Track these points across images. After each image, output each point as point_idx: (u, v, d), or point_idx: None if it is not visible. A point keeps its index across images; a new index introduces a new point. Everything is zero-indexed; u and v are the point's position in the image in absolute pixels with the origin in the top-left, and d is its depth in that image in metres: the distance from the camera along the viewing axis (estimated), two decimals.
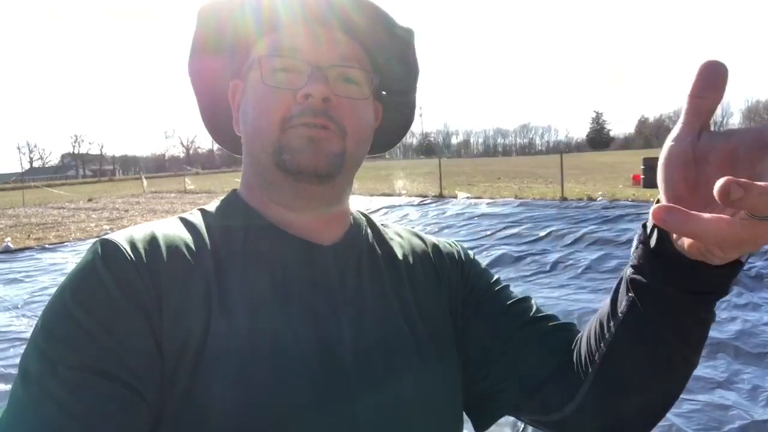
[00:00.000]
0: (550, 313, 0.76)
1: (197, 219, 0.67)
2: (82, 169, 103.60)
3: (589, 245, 8.00)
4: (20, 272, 7.98)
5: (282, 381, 0.57)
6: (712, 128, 0.47)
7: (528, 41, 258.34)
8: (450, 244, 0.83)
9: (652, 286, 0.53)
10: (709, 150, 0.44)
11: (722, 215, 0.39)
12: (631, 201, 11.55)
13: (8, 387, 3.75)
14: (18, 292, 6.78)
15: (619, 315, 0.58)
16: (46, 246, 10.49)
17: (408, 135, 0.85)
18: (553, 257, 7.30)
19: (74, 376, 0.51)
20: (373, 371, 0.63)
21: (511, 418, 3.13)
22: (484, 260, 7.37)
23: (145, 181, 29.43)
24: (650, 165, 15.47)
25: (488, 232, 9.37)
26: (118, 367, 0.52)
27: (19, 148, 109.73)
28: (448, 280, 0.77)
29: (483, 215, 11.04)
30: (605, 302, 0.62)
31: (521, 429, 3.11)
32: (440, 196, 14.78)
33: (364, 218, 0.79)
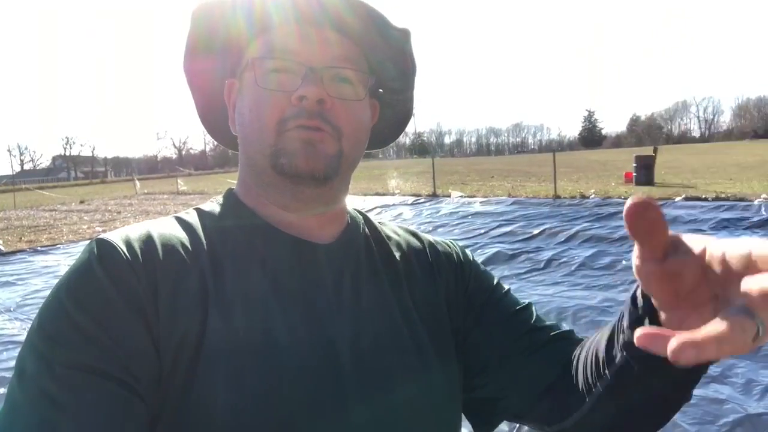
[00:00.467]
0: (551, 323, 0.76)
1: (193, 218, 0.67)
2: (73, 171, 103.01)
3: (583, 242, 8.04)
4: (12, 275, 7.93)
5: (279, 381, 0.57)
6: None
7: (520, 40, 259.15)
8: (449, 245, 0.83)
9: (640, 364, 0.54)
10: (679, 267, 0.40)
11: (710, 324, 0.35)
12: (624, 198, 11.58)
13: (2, 390, 3.73)
14: (10, 295, 6.73)
15: (615, 363, 0.58)
16: (39, 248, 10.42)
17: (401, 135, 0.85)
18: (546, 255, 7.33)
19: (71, 376, 0.51)
20: (371, 371, 0.63)
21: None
22: (478, 258, 7.32)
23: (137, 183, 29.25)
24: (642, 163, 15.54)
25: (482, 231, 9.39)
26: (115, 366, 0.52)
27: (9, 150, 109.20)
28: (445, 281, 0.77)
29: (477, 214, 11.06)
30: (605, 332, 0.62)
31: (516, 428, 3.12)
32: (434, 195, 14.79)
33: (361, 217, 0.79)
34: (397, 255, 0.75)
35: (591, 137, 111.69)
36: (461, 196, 14.11)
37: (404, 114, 0.80)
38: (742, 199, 10.28)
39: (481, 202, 12.50)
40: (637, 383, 0.57)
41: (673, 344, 0.33)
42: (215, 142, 0.83)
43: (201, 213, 0.69)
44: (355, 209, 0.79)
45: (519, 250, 7.65)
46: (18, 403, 0.51)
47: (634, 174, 15.54)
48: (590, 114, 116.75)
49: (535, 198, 12.77)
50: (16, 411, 0.50)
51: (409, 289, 0.73)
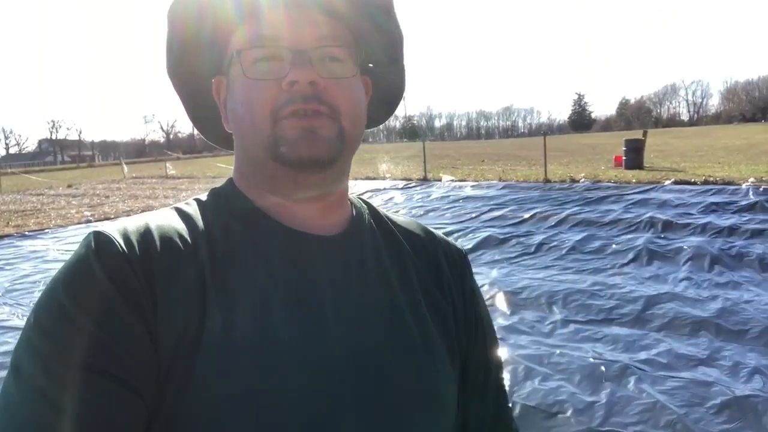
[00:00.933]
0: None
1: (193, 209, 0.65)
2: (60, 155, 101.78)
3: (573, 226, 8.09)
4: (0, 260, 7.86)
5: (279, 378, 0.56)
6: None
7: (510, 23, 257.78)
8: (458, 251, 0.80)
9: None
10: None
11: None
12: (614, 182, 11.66)
13: None
14: None
15: None
16: (26, 233, 10.32)
17: (391, 118, 0.83)
18: (537, 239, 7.36)
19: (67, 373, 0.50)
20: (377, 367, 0.61)
21: None
22: (469, 243, 7.47)
23: (125, 167, 28.94)
24: (632, 146, 15.59)
25: (473, 215, 9.42)
26: (112, 363, 0.51)
27: None
28: (448, 282, 0.75)
29: (468, 198, 11.08)
30: None
31: None
32: (425, 179, 14.78)
33: (365, 206, 0.77)
34: (406, 249, 0.73)
35: (581, 121, 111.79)
36: (452, 180, 14.12)
37: (397, 88, 0.78)
38: (730, 183, 10.37)
39: (471, 187, 12.51)
40: None
41: None
42: None
43: (201, 204, 0.67)
44: (358, 197, 0.77)
45: (510, 235, 7.68)
46: (14, 401, 0.50)
47: (624, 158, 15.59)
48: (580, 97, 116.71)
49: (525, 182, 12.80)
50: (12, 409, 0.49)
51: (418, 284, 0.71)
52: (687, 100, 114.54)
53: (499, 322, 4.58)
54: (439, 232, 0.82)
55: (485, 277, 5.78)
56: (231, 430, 0.53)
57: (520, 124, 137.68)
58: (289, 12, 0.63)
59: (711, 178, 11.14)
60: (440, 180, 14.40)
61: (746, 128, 46.34)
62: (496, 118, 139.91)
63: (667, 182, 10.92)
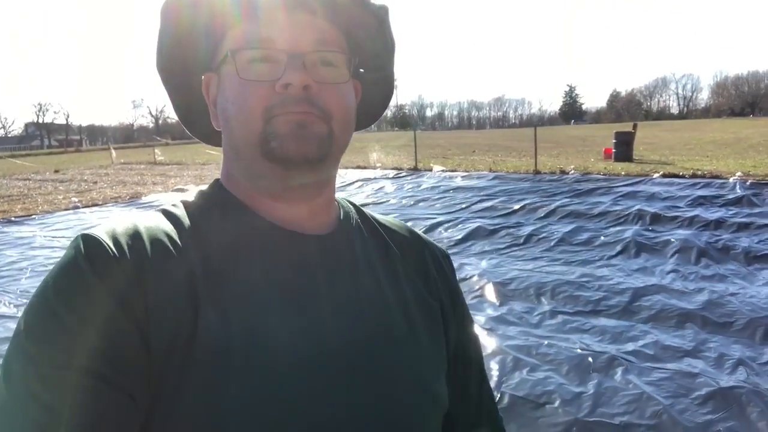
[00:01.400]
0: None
1: (180, 212, 0.65)
2: (47, 139, 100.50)
3: (562, 218, 8.14)
4: None
5: (274, 377, 0.56)
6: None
7: (503, 13, 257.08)
8: (442, 252, 0.82)
9: None
10: None
11: None
12: (603, 175, 11.72)
13: None
14: None
15: None
16: (12, 219, 10.21)
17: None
18: (526, 230, 7.40)
19: (59, 376, 0.49)
20: (369, 364, 0.62)
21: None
22: (459, 233, 7.50)
23: (113, 152, 28.67)
24: (622, 139, 15.67)
25: (463, 206, 9.44)
26: (104, 366, 0.51)
27: None
28: (435, 279, 0.76)
29: (458, 188, 11.10)
30: None
31: (497, 398, 3.19)
32: (415, 169, 14.78)
33: (351, 206, 0.77)
34: (392, 247, 0.74)
35: (571, 112, 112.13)
36: (443, 171, 14.13)
37: (386, 92, 0.79)
38: (717, 177, 10.46)
39: (462, 177, 12.53)
40: None
41: None
42: None
43: (188, 206, 0.67)
44: (344, 199, 0.78)
45: (499, 226, 7.71)
46: (5, 404, 0.49)
47: (614, 150, 15.68)
48: (571, 89, 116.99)
49: (515, 173, 12.84)
50: (4, 413, 0.49)
51: (406, 283, 0.72)
52: (677, 94, 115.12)
53: (487, 312, 4.61)
54: (423, 233, 0.83)
55: (475, 267, 5.80)
56: (231, 428, 0.53)
57: (511, 114, 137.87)
58: (286, 14, 0.63)
59: (699, 172, 11.23)
60: (431, 170, 14.40)
61: (734, 122, 46.74)
62: (487, 108, 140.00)
63: (656, 175, 11.00)
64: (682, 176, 10.83)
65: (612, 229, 7.23)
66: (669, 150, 18.98)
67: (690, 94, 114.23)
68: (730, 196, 8.66)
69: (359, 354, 0.62)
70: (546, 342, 3.89)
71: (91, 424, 0.49)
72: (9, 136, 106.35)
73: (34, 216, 10.57)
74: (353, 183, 12.68)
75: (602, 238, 6.84)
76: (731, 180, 9.92)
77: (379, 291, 0.68)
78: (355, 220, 0.75)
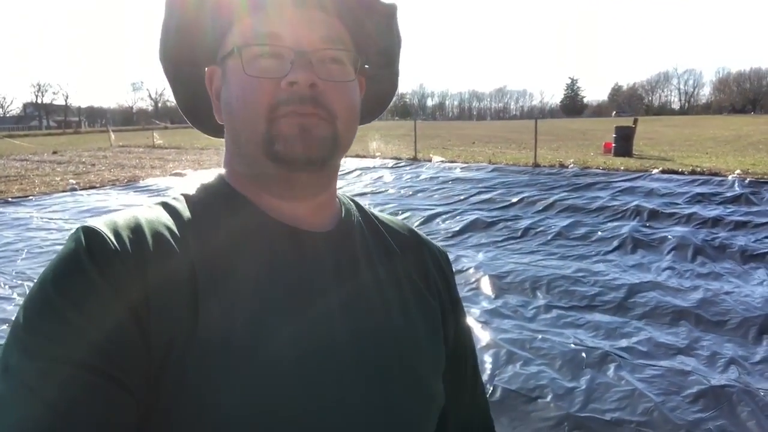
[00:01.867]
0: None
1: (182, 206, 0.64)
2: (45, 119, 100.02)
3: (560, 212, 8.14)
4: None
5: (276, 371, 0.56)
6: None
7: (507, 3, 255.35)
8: (441, 252, 0.82)
9: None
10: None
11: None
12: (602, 169, 11.71)
13: None
14: None
15: None
16: (9, 200, 10.19)
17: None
18: (524, 223, 7.40)
19: (57, 370, 0.49)
20: (370, 362, 0.62)
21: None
22: (457, 225, 7.50)
23: (112, 135, 28.54)
24: (622, 134, 15.64)
25: (461, 197, 9.44)
26: (103, 360, 0.50)
27: None
28: (435, 279, 0.76)
29: (457, 180, 11.09)
30: None
31: (490, 391, 3.20)
32: (415, 159, 14.75)
33: (353, 204, 0.77)
34: (393, 246, 0.74)
35: (573, 105, 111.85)
36: (442, 161, 14.10)
37: (389, 89, 0.78)
38: (716, 174, 10.46)
39: (461, 168, 12.51)
40: None
41: None
42: None
43: (190, 200, 0.66)
44: (345, 195, 0.78)
45: (497, 218, 7.71)
46: (3, 398, 0.49)
47: (614, 144, 15.65)
48: (573, 82, 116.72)
49: (515, 165, 12.82)
50: (1, 406, 0.49)
51: (406, 282, 0.72)
52: (679, 89, 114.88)
53: (483, 305, 4.62)
54: (424, 233, 0.83)
55: (471, 260, 5.81)
56: (232, 427, 0.53)
57: (513, 106, 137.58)
58: (294, 10, 0.62)
59: (698, 169, 11.22)
60: (430, 160, 14.37)
61: (735, 119, 46.68)
62: (488, 99, 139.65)
63: (655, 171, 11.00)
64: (681, 173, 10.82)
65: (609, 225, 7.24)
66: (669, 145, 18.97)
67: (692, 89, 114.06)
68: (729, 194, 8.66)
69: (359, 352, 0.62)
70: (540, 336, 3.90)
71: (89, 419, 0.48)
72: (7, 116, 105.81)
73: (31, 197, 10.54)
74: (352, 172, 12.65)
75: (599, 233, 6.85)
76: (730, 178, 9.92)
77: (379, 289, 0.68)
78: (356, 217, 0.74)
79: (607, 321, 4.25)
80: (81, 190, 11.49)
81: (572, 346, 3.73)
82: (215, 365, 0.54)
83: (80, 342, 0.50)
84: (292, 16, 0.62)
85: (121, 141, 28.08)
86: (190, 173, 13.79)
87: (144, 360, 0.52)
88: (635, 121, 17.57)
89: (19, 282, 5.17)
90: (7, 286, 5.05)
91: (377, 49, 0.71)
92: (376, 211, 0.81)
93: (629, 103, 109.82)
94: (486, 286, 5.08)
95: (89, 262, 0.53)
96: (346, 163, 13.67)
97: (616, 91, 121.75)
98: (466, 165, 13.08)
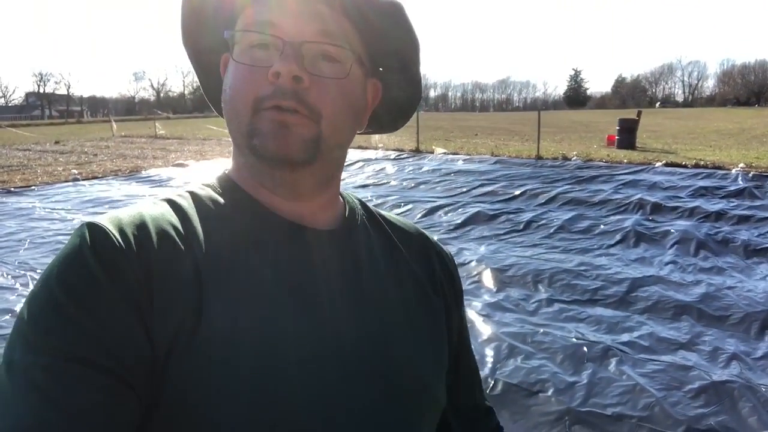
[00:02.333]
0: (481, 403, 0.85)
1: (187, 203, 0.64)
2: (48, 109, 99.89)
3: (562, 205, 8.12)
4: None
5: (281, 371, 0.55)
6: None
7: None
8: (447, 253, 0.81)
9: None
10: None
11: None
12: (605, 162, 11.66)
13: None
14: None
15: None
16: (12, 189, 10.19)
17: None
18: (526, 216, 7.39)
19: (60, 366, 0.49)
20: (372, 362, 0.62)
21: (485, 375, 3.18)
22: (459, 218, 7.49)
23: (114, 125, 28.53)
24: (625, 126, 15.56)
25: (464, 190, 9.42)
26: (107, 357, 0.50)
27: None
28: (440, 279, 0.76)
29: (459, 172, 11.06)
30: None
31: (491, 385, 3.21)
32: (417, 151, 14.70)
33: (358, 203, 0.76)
34: (398, 246, 0.74)
35: (576, 97, 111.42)
36: (445, 153, 14.06)
37: (411, 94, 0.75)
38: (720, 167, 10.41)
39: (464, 160, 12.48)
40: None
41: None
42: (194, 85, 0.80)
43: (195, 196, 0.66)
44: (350, 194, 0.77)
45: (499, 211, 7.70)
46: (6, 394, 0.49)
47: (617, 137, 15.58)
48: (577, 73, 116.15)
49: (517, 158, 12.78)
50: (4, 402, 0.49)
51: (411, 282, 0.72)
52: (683, 81, 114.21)
53: (484, 298, 4.62)
54: (431, 234, 0.83)
55: (473, 253, 5.81)
56: (234, 424, 0.53)
57: (516, 97, 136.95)
58: (296, 2, 0.61)
59: (702, 162, 11.17)
60: (433, 152, 14.33)
61: (739, 112, 46.44)
62: (491, 90, 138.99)
63: (658, 164, 10.95)
64: (685, 166, 10.77)
65: (612, 218, 7.22)
66: (672, 138, 18.88)
67: (696, 81, 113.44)
68: (732, 188, 8.62)
69: (363, 352, 0.62)
70: (542, 330, 3.90)
71: (91, 416, 0.48)
72: (9, 105, 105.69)
73: (33, 187, 10.54)
74: (354, 163, 12.62)
75: (602, 226, 6.83)
76: (734, 171, 9.87)
77: (382, 289, 0.67)
78: (360, 216, 0.74)
79: (609, 315, 4.25)
80: (83, 180, 11.49)
81: (574, 340, 3.73)
82: (218, 364, 0.53)
83: (84, 339, 0.50)
84: (294, 8, 0.61)
85: (123, 131, 28.03)
86: (192, 164, 13.79)
87: (147, 357, 0.52)
88: (639, 114, 17.49)
89: (22, 272, 5.18)
90: (9, 276, 5.05)
91: (390, 51, 0.69)
92: (383, 210, 0.81)
93: (632, 95, 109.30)
94: (488, 279, 5.08)
95: (93, 259, 0.53)
96: (348, 155, 13.60)
97: (619, 83, 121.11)
98: (468, 157, 13.04)
